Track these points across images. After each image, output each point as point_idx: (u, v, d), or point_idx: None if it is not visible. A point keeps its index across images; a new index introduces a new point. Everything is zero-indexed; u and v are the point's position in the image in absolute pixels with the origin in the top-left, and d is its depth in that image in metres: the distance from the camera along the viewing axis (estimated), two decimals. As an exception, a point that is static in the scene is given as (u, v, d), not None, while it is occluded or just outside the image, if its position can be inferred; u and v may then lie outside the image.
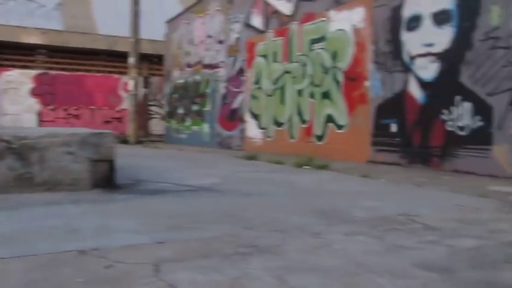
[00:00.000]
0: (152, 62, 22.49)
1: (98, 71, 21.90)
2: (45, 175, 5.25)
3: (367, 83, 9.46)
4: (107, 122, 21.45)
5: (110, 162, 5.57)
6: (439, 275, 2.67)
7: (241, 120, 14.39)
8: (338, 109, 10.20)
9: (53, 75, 20.93)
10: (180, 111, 18.88)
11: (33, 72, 20.69)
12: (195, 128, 17.62)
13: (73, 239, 3.35)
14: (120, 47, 20.41)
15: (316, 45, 10.92)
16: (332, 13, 10.43)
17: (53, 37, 20.64)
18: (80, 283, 2.45)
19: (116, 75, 21.71)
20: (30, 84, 20.52)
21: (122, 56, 19.77)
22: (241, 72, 14.49)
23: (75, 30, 20.92)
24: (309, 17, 11.21)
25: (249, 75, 13.91)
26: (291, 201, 5.11)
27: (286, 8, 12.16)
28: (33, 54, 21.15)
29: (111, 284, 2.45)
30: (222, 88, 15.72)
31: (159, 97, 22.32)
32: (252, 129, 13.72)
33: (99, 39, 21.28)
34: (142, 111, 21.23)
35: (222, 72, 15.69)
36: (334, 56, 10.35)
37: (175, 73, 19.46)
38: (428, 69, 8.14)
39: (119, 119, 21.71)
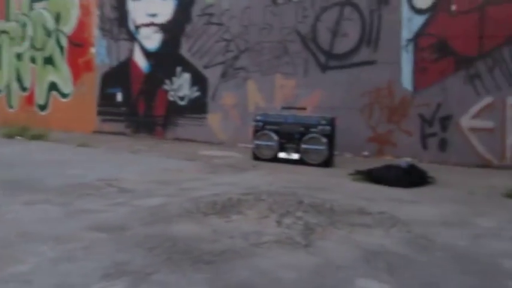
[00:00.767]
0: None
1: None
2: None
3: (92, 50, 8.96)
4: None
5: None
6: (109, 234, 2.59)
7: None
8: (62, 76, 9.40)
9: None
10: None
11: None
12: None
13: None
14: None
15: (38, 5, 9.77)
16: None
17: None
18: None
19: None
20: None
21: None
22: None
23: None
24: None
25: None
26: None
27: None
28: None
29: None
30: None
31: None
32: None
33: None
34: None
35: None
36: (58, 18, 9.44)
37: None
38: (152, 39, 8.17)
39: None
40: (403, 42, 5.95)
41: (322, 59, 6.48)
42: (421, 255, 2.38)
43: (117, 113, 8.64)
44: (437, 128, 5.77)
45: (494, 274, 2.16)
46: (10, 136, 7.41)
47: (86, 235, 2.57)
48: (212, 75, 7.52)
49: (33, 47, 9.87)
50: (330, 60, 6.42)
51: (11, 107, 10.41)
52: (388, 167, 4.52)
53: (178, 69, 7.87)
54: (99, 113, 8.90)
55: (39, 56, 9.75)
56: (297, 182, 4.19)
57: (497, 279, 2.10)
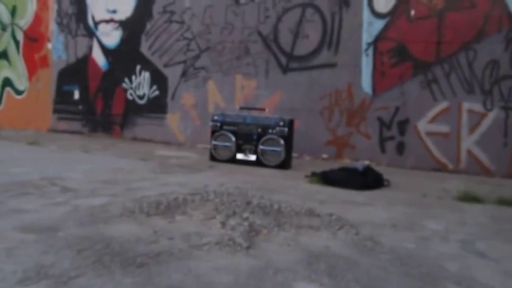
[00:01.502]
0: None
1: None
2: None
3: (49, 45, 8.64)
4: None
5: None
6: (38, 235, 2.42)
7: None
8: (17, 72, 9.03)
9: None
10: None
11: None
12: None
13: None
14: None
15: (-7, -3, 9.37)
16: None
17: None
18: None
19: None
20: None
21: None
22: None
23: None
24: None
25: None
26: None
27: None
28: None
29: None
30: None
31: None
32: None
33: None
34: None
35: None
36: (14, 11, 9.07)
37: None
38: (112, 36, 7.94)
39: None
40: (364, 46, 5.96)
41: (283, 60, 6.42)
42: (366, 257, 2.31)
43: (73, 111, 8.35)
44: (395, 131, 5.79)
45: (436, 277, 2.11)
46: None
47: (13, 236, 2.39)
48: (172, 75, 7.36)
49: (-14, 40, 9.44)
50: (291, 62, 6.37)
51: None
52: (344, 169, 4.48)
53: (138, 67, 7.68)
54: (55, 111, 8.59)
55: (-7, 51, 9.35)
56: (250, 183, 4.09)
57: (440, 283, 2.05)
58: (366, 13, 5.94)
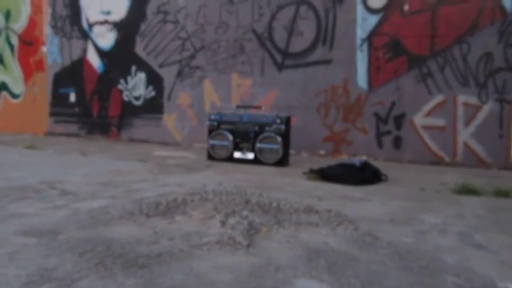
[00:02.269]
0: None
1: None
2: None
3: (44, 49, 8.63)
4: None
5: None
6: (39, 239, 2.43)
7: None
8: (12, 76, 9.02)
9: None
10: None
11: None
12: None
13: None
14: None
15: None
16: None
17: None
18: None
19: None
20: None
21: None
22: None
23: None
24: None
25: None
26: None
27: None
28: None
29: None
30: None
31: None
32: None
33: None
34: None
35: None
36: (8, 15, 9.06)
37: None
38: (106, 38, 7.94)
39: None
40: (358, 42, 5.98)
41: (278, 58, 6.43)
42: (365, 252, 2.33)
43: (70, 114, 8.35)
44: (392, 126, 5.82)
45: (435, 270, 2.13)
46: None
47: (14, 240, 2.40)
48: (168, 75, 7.37)
49: (-19, 45, 9.43)
50: (286, 59, 6.38)
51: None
52: (342, 165, 4.50)
53: (133, 68, 7.68)
54: (52, 114, 8.59)
55: (-12, 55, 9.33)
56: (248, 182, 4.11)
57: (438, 275, 2.07)
58: (360, 9, 5.96)
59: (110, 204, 3.21)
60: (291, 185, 4.06)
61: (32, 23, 8.76)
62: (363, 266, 2.15)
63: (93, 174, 4.53)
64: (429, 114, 5.64)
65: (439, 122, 5.59)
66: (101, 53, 8.02)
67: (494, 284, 2.00)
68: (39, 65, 8.68)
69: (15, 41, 8.98)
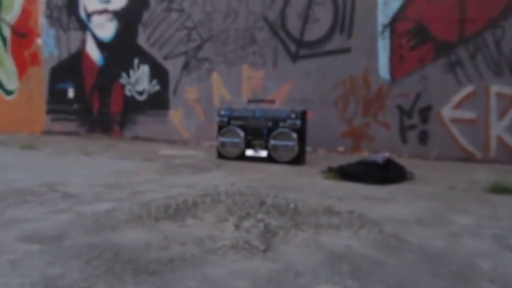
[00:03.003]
0: None
1: None
2: None
3: (39, 41, 8.73)
4: None
5: None
6: (43, 245, 2.48)
7: None
8: (5, 71, 9.14)
9: None
10: None
11: None
12: None
13: None
14: None
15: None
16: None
17: None
18: None
19: None
20: None
21: None
22: None
23: None
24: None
25: None
26: None
27: None
28: None
29: None
30: None
31: None
32: None
33: None
34: None
35: None
36: (0, 5, 9.18)
37: None
38: (106, 28, 8.02)
39: None
40: (379, 28, 5.97)
41: (292, 47, 6.45)
42: (391, 257, 2.35)
43: (68, 111, 8.45)
44: (417, 119, 5.81)
45: (468, 276, 2.14)
46: None
47: (16, 247, 2.45)
48: (173, 67, 7.42)
49: (-28, 38, 9.57)
50: (301, 49, 6.40)
51: None
52: (363, 163, 4.51)
53: (136, 61, 7.75)
54: (49, 112, 8.70)
55: (-21, 49, 9.47)
56: (262, 182, 4.14)
57: (472, 282, 2.08)
58: (381, -8, 5.95)
59: (116, 207, 3.26)
60: (308, 185, 4.09)
61: (26, 13, 8.87)
62: (390, 271, 2.17)
63: (95, 175, 4.59)
64: (458, 106, 5.62)
65: (469, 114, 5.57)
66: (100, 44, 8.10)
67: (533, 289, 2.00)
68: (34, 59, 8.79)
69: (7, 33, 9.09)
